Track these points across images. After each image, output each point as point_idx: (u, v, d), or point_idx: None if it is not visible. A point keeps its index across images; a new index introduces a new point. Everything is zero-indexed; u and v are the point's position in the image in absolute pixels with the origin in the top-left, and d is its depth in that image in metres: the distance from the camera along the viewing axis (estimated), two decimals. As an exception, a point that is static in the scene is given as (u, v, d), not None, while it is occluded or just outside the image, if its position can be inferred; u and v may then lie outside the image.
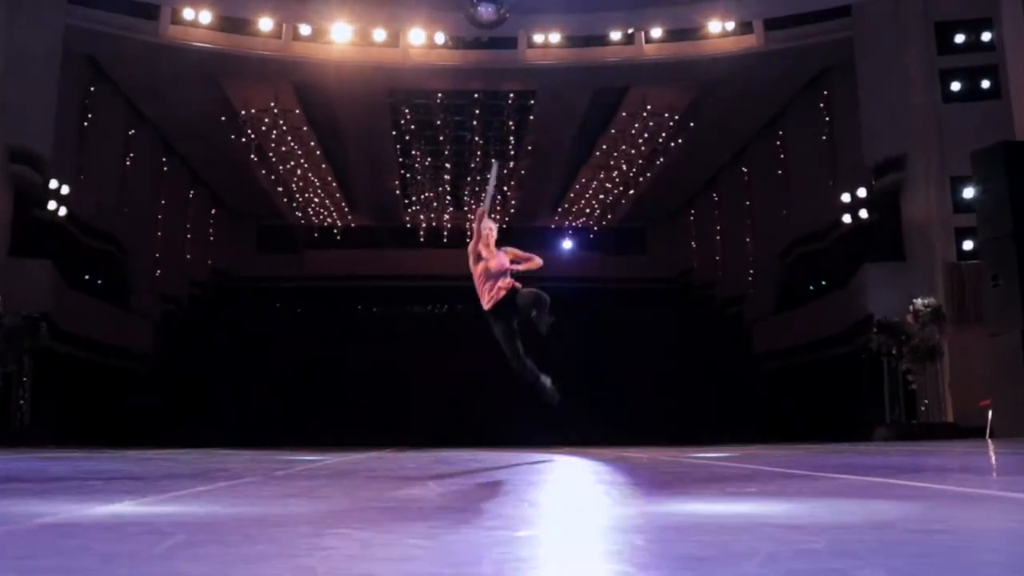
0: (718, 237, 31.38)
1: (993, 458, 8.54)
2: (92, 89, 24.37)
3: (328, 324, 30.25)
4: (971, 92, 20.54)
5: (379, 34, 23.74)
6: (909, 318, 19.42)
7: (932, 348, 19.39)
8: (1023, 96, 19.18)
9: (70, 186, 22.09)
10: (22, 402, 18.21)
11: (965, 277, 20.04)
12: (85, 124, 24.23)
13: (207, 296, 32.20)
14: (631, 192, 30.98)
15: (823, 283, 25.93)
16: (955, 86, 20.61)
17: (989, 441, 15.00)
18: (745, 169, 29.49)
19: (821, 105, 25.42)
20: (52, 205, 21.70)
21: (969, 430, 17.92)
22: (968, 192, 19.94)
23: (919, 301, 19.48)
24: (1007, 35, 19.88)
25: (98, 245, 25.10)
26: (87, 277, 24.92)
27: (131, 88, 25.23)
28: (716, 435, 18.42)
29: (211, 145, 27.94)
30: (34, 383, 18.90)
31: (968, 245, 20.14)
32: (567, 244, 35.66)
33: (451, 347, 27.10)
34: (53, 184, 21.52)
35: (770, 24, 23.62)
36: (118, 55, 23.53)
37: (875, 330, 19.60)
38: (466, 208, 31.81)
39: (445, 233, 33.97)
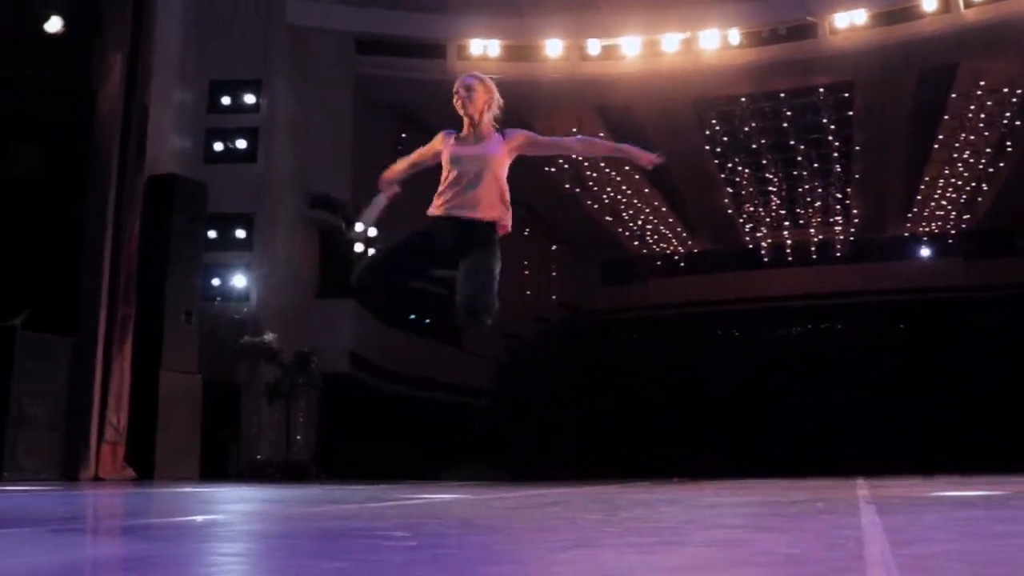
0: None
1: None
2: (404, 136, 25.13)
3: (680, 353, 28.69)
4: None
5: (670, 42, 22.65)
6: None
7: None
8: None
9: (379, 229, 22.81)
10: (299, 437, 18.77)
11: None
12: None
13: (555, 331, 32.22)
14: (985, 186, 26.87)
15: None
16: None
17: None
18: None
19: None
20: (359, 247, 22.50)
21: None
22: None
23: None
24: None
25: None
26: (412, 317, 25.66)
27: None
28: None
29: (535, 178, 27.79)
30: (321, 416, 19.62)
31: None
32: (924, 252, 31.46)
33: (814, 370, 24.55)
34: (359, 227, 22.29)
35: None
36: (424, 98, 24.08)
37: None
38: (802, 223, 29.32)
39: (788, 251, 31.50)
